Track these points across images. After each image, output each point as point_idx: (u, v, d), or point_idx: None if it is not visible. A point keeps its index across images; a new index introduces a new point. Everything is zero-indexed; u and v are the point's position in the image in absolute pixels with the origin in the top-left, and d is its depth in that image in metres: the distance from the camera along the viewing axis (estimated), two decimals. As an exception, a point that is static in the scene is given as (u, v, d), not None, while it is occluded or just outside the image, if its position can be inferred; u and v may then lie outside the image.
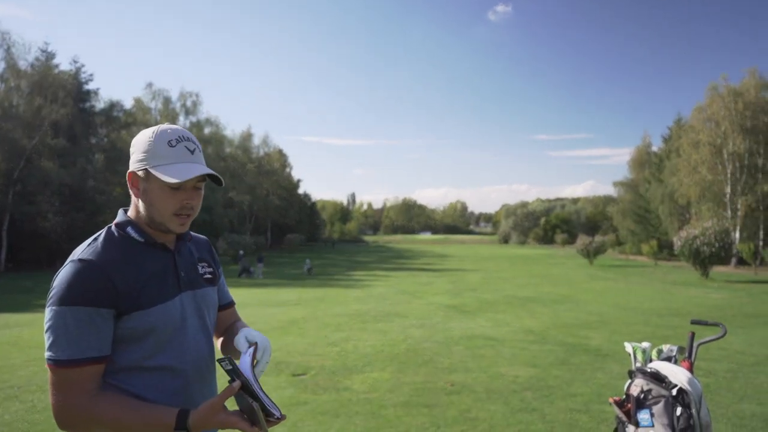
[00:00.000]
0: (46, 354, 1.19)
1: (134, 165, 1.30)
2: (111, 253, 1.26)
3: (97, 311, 1.19)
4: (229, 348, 1.52)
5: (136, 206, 1.33)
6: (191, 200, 1.31)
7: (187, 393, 1.32)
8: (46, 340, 1.19)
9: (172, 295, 1.31)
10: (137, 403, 1.21)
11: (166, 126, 1.32)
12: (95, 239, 1.29)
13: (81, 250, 1.25)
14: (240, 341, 1.33)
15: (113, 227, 1.33)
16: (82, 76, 35.73)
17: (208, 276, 1.48)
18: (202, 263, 1.48)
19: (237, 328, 1.56)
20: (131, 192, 1.32)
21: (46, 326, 1.20)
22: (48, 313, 1.19)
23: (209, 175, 1.31)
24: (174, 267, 1.35)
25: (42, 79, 32.65)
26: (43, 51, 34.11)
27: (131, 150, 1.32)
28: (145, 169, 1.27)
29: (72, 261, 1.22)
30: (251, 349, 1.29)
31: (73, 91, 34.04)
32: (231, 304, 1.64)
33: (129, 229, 1.32)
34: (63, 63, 38.67)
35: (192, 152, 1.31)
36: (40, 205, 30.47)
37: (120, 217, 1.35)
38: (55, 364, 1.18)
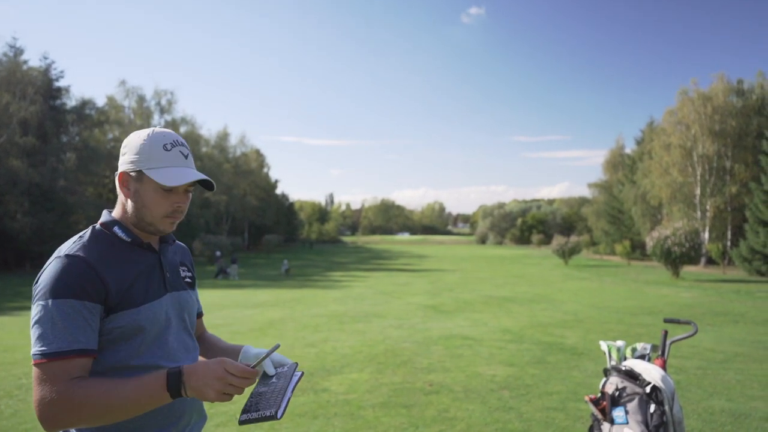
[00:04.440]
0: (33, 350, 1.17)
1: (126, 166, 1.31)
2: (99, 250, 1.27)
3: (83, 305, 1.19)
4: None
5: (124, 206, 1.35)
6: (183, 203, 1.35)
7: None
8: (33, 335, 1.19)
9: (159, 295, 1.34)
10: (123, 379, 1.18)
11: (160, 130, 1.35)
12: (81, 237, 1.29)
13: (67, 247, 1.26)
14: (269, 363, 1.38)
15: (99, 226, 1.34)
16: (53, 72, 34.73)
17: (188, 280, 1.50)
18: (183, 267, 1.51)
19: (210, 339, 1.65)
20: (120, 192, 1.34)
21: (32, 322, 1.19)
22: (34, 309, 1.19)
23: (201, 180, 1.36)
24: (160, 267, 1.38)
25: (10, 75, 31.69)
26: (11, 46, 33.09)
27: (123, 150, 1.34)
28: (139, 171, 1.30)
29: (58, 257, 1.23)
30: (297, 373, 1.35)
31: (43, 88, 33.05)
32: (201, 314, 1.64)
33: (116, 229, 1.33)
34: (32, 59, 37.59)
35: (186, 157, 1.36)
36: (8, 205, 29.59)
37: (105, 217, 1.36)
38: (42, 356, 1.16)
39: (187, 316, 1.44)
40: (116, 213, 1.36)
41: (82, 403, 1.14)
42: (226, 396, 1.16)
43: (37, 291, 1.21)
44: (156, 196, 1.30)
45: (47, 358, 1.15)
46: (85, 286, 1.19)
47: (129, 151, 1.32)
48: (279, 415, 1.20)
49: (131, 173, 1.31)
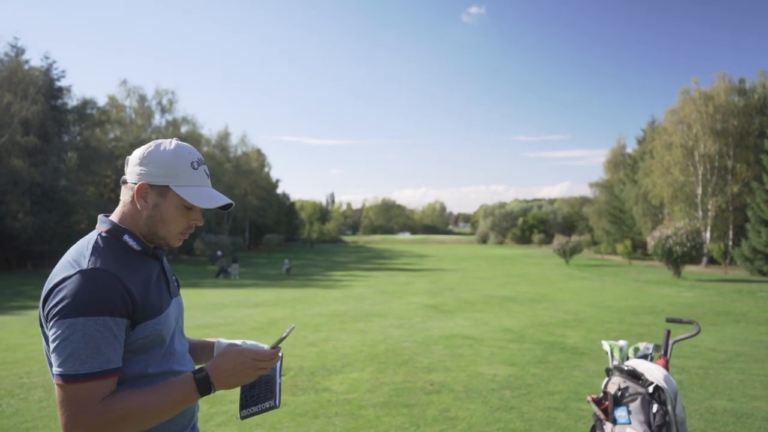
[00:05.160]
0: (59, 370, 1.14)
1: (150, 178, 1.29)
2: (119, 261, 1.25)
3: (114, 321, 1.18)
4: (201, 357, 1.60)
5: (133, 215, 1.33)
6: (199, 221, 1.39)
7: None
8: (59, 355, 1.15)
9: (168, 303, 1.36)
10: (151, 389, 1.22)
11: (182, 144, 1.36)
12: (94, 247, 1.25)
13: (84, 258, 1.22)
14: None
15: (106, 235, 1.30)
16: (54, 72, 34.78)
17: (176, 284, 1.52)
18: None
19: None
20: (136, 202, 1.31)
21: (59, 339, 1.15)
22: (59, 326, 1.15)
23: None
24: (164, 274, 1.40)
25: (11, 75, 31.73)
26: (13, 46, 33.16)
27: (143, 160, 1.31)
28: (165, 186, 1.30)
29: (81, 270, 1.19)
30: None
31: (45, 87, 33.11)
32: None
33: (126, 238, 1.31)
34: (34, 59, 37.58)
35: (209, 176, 1.39)
36: (9, 205, 29.63)
37: (108, 223, 1.33)
38: (73, 379, 1.13)
39: (181, 319, 1.48)
40: (122, 220, 1.34)
41: (119, 418, 1.16)
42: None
43: (61, 307, 1.15)
44: (177, 213, 1.33)
45: (81, 380, 1.13)
46: (117, 302, 1.18)
47: (152, 164, 1.30)
48: (278, 404, 1.33)
49: (154, 186, 1.30)
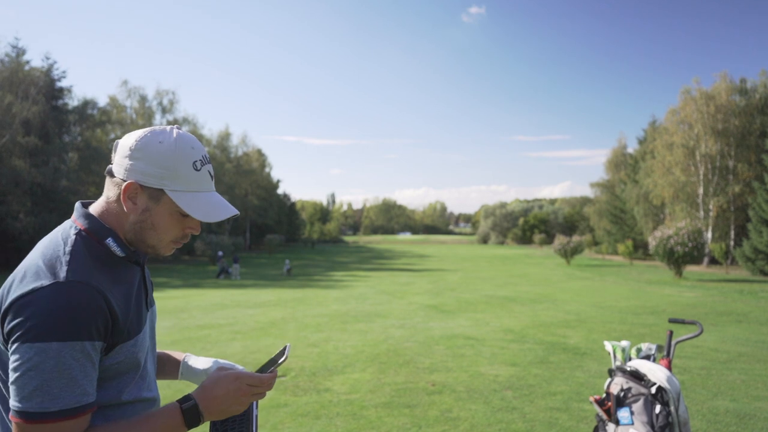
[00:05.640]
0: (21, 406, 0.92)
1: (142, 177, 1.06)
2: (101, 270, 1.04)
3: (93, 345, 0.97)
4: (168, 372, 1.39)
5: (117, 215, 1.10)
6: (197, 229, 1.17)
7: None
8: (22, 387, 0.92)
9: (145, 318, 1.16)
10: (128, 423, 1.03)
11: (184, 137, 1.11)
12: (72, 248, 1.03)
13: (64, 267, 0.99)
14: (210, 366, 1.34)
15: (86, 234, 1.08)
16: (55, 72, 34.81)
17: (152, 289, 1.29)
18: None
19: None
20: (123, 204, 1.08)
21: (21, 369, 0.92)
22: (26, 351, 0.92)
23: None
24: (143, 282, 1.18)
25: (12, 76, 31.75)
26: (14, 46, 33.17)
27: (134, 153, 1.07)
28: (159, 189, 1.07)
29: (58, 283, 0.96)
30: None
31: (45, 88, 33.16)
32: None
33: (109, 241, 1.09)
34: (35, 59, 37.54)
35: (212, 178, 1.16)
36: (10, 205, 29.64)
37: (89, 220, 1.10)
38: (40, 417, 0.92)
39: (154, 333, 1.27)
40: (105, 218, 1.11)
41: None
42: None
43: (29, 327, 0.92)
44: (171, 220, 1.11)
45: (51, 419, 0.93)
46: (98, 323, 0.98)
47: (145, 160, 1.06)
48: None
49: (146, 188, 1.07)
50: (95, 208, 1.13)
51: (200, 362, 1.36)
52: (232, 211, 1.16)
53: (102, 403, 1.04)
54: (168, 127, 1.12)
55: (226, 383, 1.08)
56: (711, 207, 33.07)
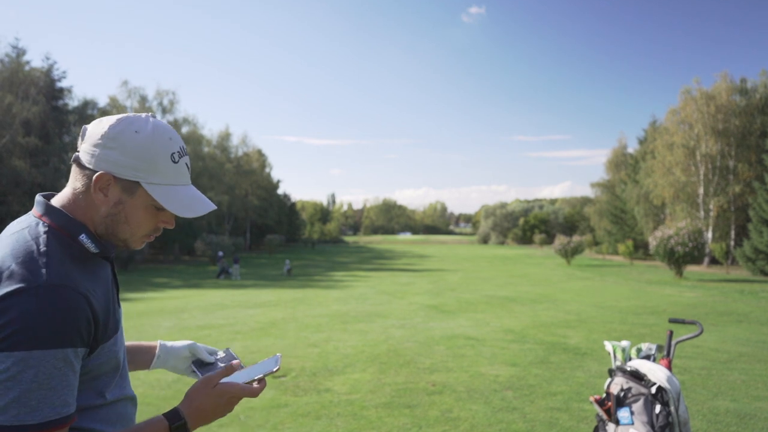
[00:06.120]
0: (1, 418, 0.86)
1: (116, 168, 1.00)
2: (78, 271, 0.98)
3: (75, 353, 0.91)
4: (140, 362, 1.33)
5: (87, 208, 1.03)
6: (171, 222, 1.11)
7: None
8: None
9: (121, 315, 1.11)
10: None
11: (161, 126, 1.05)
12: (49, 251, 0.95)
13: (43, 268, 0.92)
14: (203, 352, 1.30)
15: (57, 231, 1.00)
16: (55, 73, 34.84)
17: None
18: None
19: None
20: (94, 196, 1.01)
21: None
22: (2, 361, 0.86)
23: None
24: (114, 278, 1.12)
25: (12, 76, 31.78)
26: (14, 47, 33.20)
27: (107, 141, 1.00)
28: (135, 182, 1.02)
29: (39, 286, 0.89)
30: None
31: (46, 88, 33.20)
32: None
33: (83, 237, 1.01)
34: (35, 60, 37.63)
35: (189, 169, 1.11)
36: (10, 206, 29.64)
37: (61, 217, 1.02)
38: (19, 431, 0.86)
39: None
40: (74, 212, 1.03)
41: None
42: None
43: (7, 335, 0.86)
44: (145, 214, 1.05)
45: None
46: (82, 329, 0.92)
47: (119, 150, 1.00)
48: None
49: (120, 179, 1.01)
50: (60, 200, 1.04)
51: (176, 349, 1.31)
52: (210, 206, 1.11)
53: (87, 404, 1.00)
54: (143, 115, 1.05)
55: (215, 398, 1.05)
56: (711, 207, 33.06)
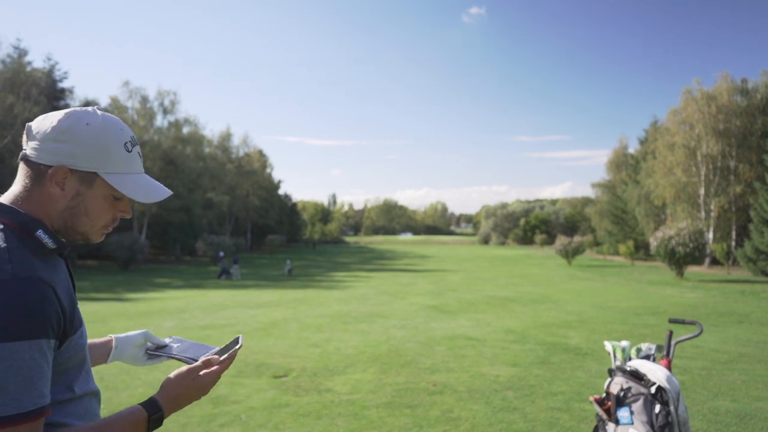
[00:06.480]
0: None
1: (72, 161, 1.01)
2: (43, 265, 0.99)
3: (48, 344, 0.93)
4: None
5: (42, 204, 1.03)
6: (128, 212, 1.13)
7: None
8: None
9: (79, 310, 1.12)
10: (97, 423, 1.02)
11: (110, 117, 1.08)
12: (10, 247, 0.96)
13: (7, 263, 0.93)
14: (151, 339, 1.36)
15: (13, 228, 1.00)
16: (57, 73, 34.99)
17: None
18: None
19: None
20: (50, 190, 1.02)
21: None
22: None
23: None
24: (70, 274, 1.11)
25: (14, 77, 31.87)
26: (15, 47, 33.33)
27: (59, 135, 1.01)
28: (93, 173, 1.03)
29: (3, 280, 0.90)
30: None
31: (47, 89, 33.30)
32: None
33: (40, 233, 1.01)
34: (36, 60, 37.79)
35: (141, 158, 1.14)
36: (12, 206, 29.73)
37: (15, 215, 1.01)
38: None
39: None
40: (28, 208, 1.03)
41: None
42: None
43: None
44: (104, 204, 1.07)
45: (9, 423, 0.87)
46: (52, 319, 0.93)
47: (73, 142, 1.01)
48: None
49: (76, 172, 1.02)
50: (11, 199, 1.03)
51: (131, 338, 1.34)
52: (167, 191, 1.14)
53: (57, 399, 1.00)
54: (89, 108, 1.07)
55: (194, 389, 1.11)
56: (712, 207, 33.04)
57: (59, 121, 1.02)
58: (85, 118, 1.04)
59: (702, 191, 33.42)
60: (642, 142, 44.36)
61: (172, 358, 1.29)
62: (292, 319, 10.91)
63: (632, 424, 2.58)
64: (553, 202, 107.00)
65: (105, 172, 1.04)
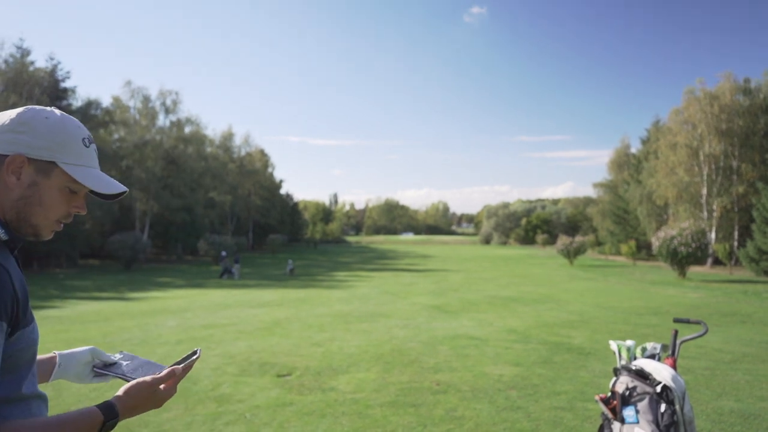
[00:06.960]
0: None
1: (29, 150, 1.01)
2: None
3: (1, 326, 0.91)
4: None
5: None
6: (82, 209, 1.12)
7: None
8: None
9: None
10: (51, 419, 0.98)
11: (68, 116, 1.10)
12: None
13: None
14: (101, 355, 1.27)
15: None
16: (59, 73, 35.00)
17: None
18: None
19: None
20: (6, 179, 1.02)
21: None
22: None
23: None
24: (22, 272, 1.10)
25: (17, 76, 31.92)
26: (18, 47, 33.37)
27: (17, 126, 1.02)
28: (51, 162, 1.03)
29: None
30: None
31: (50, 88, 33.33)
32: None
33: None
34: (39, 60, 37.82)
35: (97, 156, 1.15)
36: (14, 205, 29.82)
37: None
38: None
39: None
40: None
41: None
42: None
43: None
44: (60, 196, 1.06)
45: None
46: (6, 303, 0.92)
47: (31, 133, 1.02)
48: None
49: (33, 161, 1.02)
50: None
51: (77, 355, 1.26)
52: (122, 187, 1.14)
53: (4, 396, 0.98)
54: (47, 108, 1.09)
55: (145, 393, 1.09)
56: (715, 207, 33.00)
57: (18, 114, 1.04)
58: (44, 113, 1.05)
59: (704, 191, 33.38)
60: (644, 142, 44.33)
61: (120, 377, 1.22)
62: (294, 318, 10.92)
63: (638, 422, 2.58)
64: (555, 201, 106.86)
65: (63, 162, 1.04)
